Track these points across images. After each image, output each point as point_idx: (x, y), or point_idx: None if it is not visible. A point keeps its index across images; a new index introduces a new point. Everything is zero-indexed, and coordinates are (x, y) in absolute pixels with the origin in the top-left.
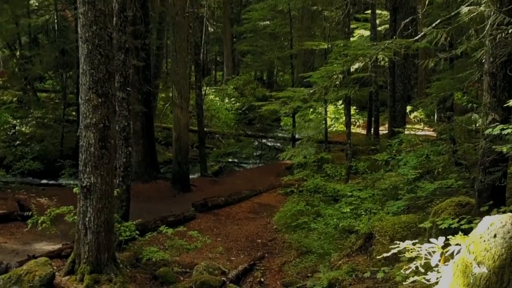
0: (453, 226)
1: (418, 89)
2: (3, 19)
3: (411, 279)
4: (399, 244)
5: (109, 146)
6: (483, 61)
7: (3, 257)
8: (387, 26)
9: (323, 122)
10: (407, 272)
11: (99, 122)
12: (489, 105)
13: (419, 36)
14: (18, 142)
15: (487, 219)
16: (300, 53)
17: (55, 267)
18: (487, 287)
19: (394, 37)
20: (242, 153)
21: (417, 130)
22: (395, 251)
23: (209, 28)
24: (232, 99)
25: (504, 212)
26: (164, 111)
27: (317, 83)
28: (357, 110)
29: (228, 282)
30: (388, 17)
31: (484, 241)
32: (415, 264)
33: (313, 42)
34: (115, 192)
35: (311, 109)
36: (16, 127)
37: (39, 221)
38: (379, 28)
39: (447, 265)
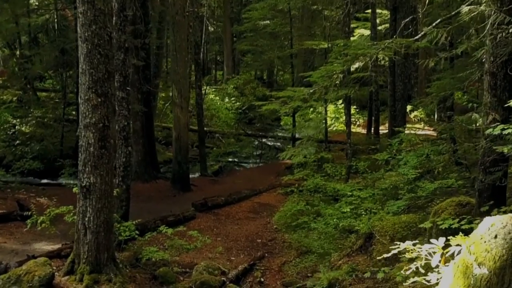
0: (453, 226)
1: (418, 89)
2: (3, 18)
3: (412, 280)
4: (399, 244)
5: (109, 146)
6: (483, 60)
7: (3, 257)
8: (387, 25)
9: (323, 121)
10: (408, 272)
11: (99, 122)
12: (489, 105)
13: (420, 35)
14: (18, 141)
15: (487, 220)
16: (300, 53)
17: (54, 267)
18: None
19: (395, 36)
20: (242, 153)
21: (417, 129)
22: (395, 251)
23: (209, 28)
24: (232, 98)
25: (504, 212)
26: (164, 111)
27: (317, 82)
28: (357, 110)
29: (228, 282)
30: (389, 16)
31: (485, 242)
32: (415, 264)
33: (313, 41)
34: (114, 192)
35: (311, 109)
36: (16, 127)
37: (39, 221)
38: (379, 28)
39: (447, 266)
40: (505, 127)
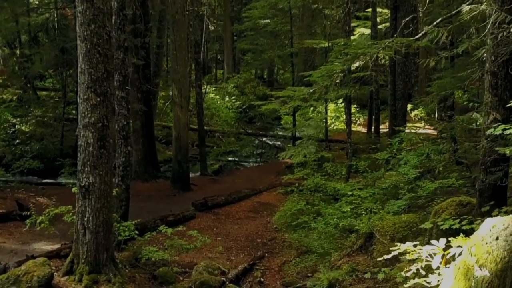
0: (454, 226)
1: (419, 88)
2: (2, 17)
3: (412, 281)
4: (399, 246)
5: (108, 146)
6: (484, 60)
7: (2, 257)
8: (387, 24)
9: (324, 120)
10: (408, 274)
11: (98, 122)
12: (490, 104)
13: (420, 34)
14: (17, 140)
15: (489, 221)
16: (301, 52)
17: (53, 267)
18: None
19: (395, 35)
20: (242, 152)
21: (418, 128)
22: (395, 253)
23: (209, 26)
24: (233, 97)
25: (505, 213)
26: (164, 110)
27: (317, 82)
28: (357, 109)
29: (227, 282)
30: (389, 15)
31: (486, 243)
32: (415, 266)
33: (313, 40)
34: (114, 191)
35: (312, 108)
36: (16, 126)
37: (38, 221)
38: (379, 26)
39: (448, 267)
40: (507, 127)
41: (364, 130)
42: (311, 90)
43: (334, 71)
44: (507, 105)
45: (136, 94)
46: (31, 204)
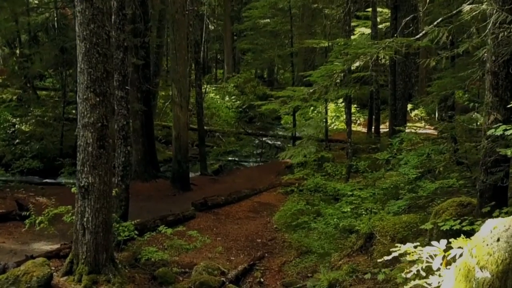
0: (455, 227)
1: (419, 87)
2: (2, 17)
3: (412, 282)
4: (400, 246)
5: (107, 146)
6: (484, 59)
7: (1, 257)
8: (388, 24)
9: (324, 120)
10: (408, 275)
11: (97, 122)
12: (491, 105)
13: (421, 34)
14: (17, 140)
15: (490, 222)
16: (301, 51)
17: (53, 268)
18: None
19: (395, 35)
20: (242, 152)
21: (418, 128)
22: (396, 254)
23: (209, 26)
24: (233, 97)
25: (506, 213)
26: (164, 110)
27: (317, 82)
28: (357, 108)
29: (227, 283)
30: (389, 15)
31: (487, 245)
32: (416, 267)
33: (313, 40)
34: (113, 191)
35: (312, 108)
36: (16, 126)
37: (37, 221)
38: (380, 26)
39: (449, 268)
40: (507, 128)
41: (364, 130)
42: (311, 90)
43: (334, 71)
44: (508, 106)
45: (136, 93)
46: (30, 204)
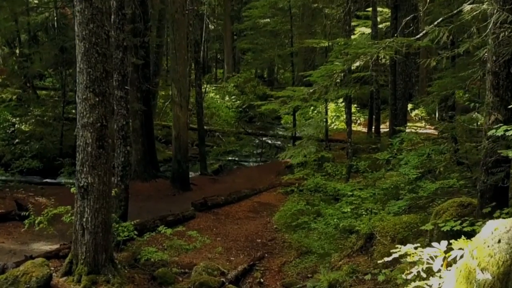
0: (455, 228)
1: (420, 87)
2: (2, 17)
3: (413, 284)
4: (400, 248)
5: (107, 146)
6: (485, 59)
7: (0, 257)
8: (388, 23)
9: (324, 120)
10: (409, 276)
11: (96, 122)
12: (491, 105)
13: (421, 34)
14: (17, 140)
15: (490, 224)
16: (301, 51)
17: (52, 268)
18: None
19: (396, 35)
20: (242, 151)
21: (419, 128)
22: (396, 255)
23: (209, 26)
24: (233, 97)
25: (507, 214)
26: (164, 109)
27: (317, 82)
28: (358, 108)
29: (227, 283)
30: (389, 14)
31: (488, 246)
32: (416, 268)
33: (313, 40)
34: (113, 192)
35: (312, 107)
36: (16, 125)
37: (36, 221)
38: (380, 26)
39: (449, 270)
40: (508, 128)
41: (365, 129)
42: (311, 90)
43: (334, 71)
44: (509, 106)
45: (136, 93)
46: (30, 204)
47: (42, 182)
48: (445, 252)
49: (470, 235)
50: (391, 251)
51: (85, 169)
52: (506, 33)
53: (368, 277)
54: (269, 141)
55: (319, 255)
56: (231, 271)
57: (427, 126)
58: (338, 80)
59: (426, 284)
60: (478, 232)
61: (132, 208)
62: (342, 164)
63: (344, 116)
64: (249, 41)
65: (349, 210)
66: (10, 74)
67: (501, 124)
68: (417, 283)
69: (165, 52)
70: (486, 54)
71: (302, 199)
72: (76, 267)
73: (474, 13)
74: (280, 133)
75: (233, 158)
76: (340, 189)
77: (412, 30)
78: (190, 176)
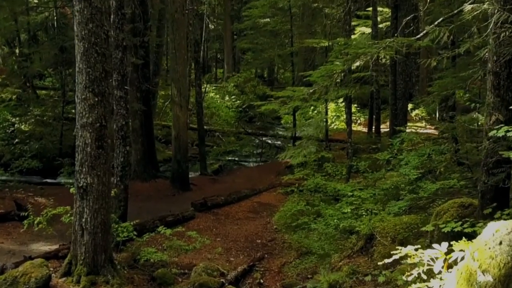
0: (456, 229)
1: (420, 87)
2: (1, 16)
3: (413, 285)
4: (400, 249)
5: (106, 146)
6: (486, 59)
7: (0, 258)
8: (388, 23)
9: (324, 120)
10: (409, 278)
11: (96, 122)
12: (492, 105)
13: (421, 34)
14: (17, 140)
15: (492, 225)
16: (301, 51)
17: (51, 268)
18: None
19: (396, 34)
20: (242, 152)
21: (419, 128)
22: (396, 257)
23: (209, 25)
24: (233, 96)
25: (508, 215)
26: (163, 109)
27: (317, 82)
28: (358, 108)
29: (227, 284)
30: (390, 14)
31: (489, 248)
32: (417, 270)
33: (313, 39)
34: (112, 192)
35: (312, 107)
36: (15, 125)
37: (35, 222)
38: (380, 26)
39: (450, 272)
40: (509, 129)
41: (365, 129)
42: (311, 90)
43: (334, 71)
44: (510, 107)
45: (135, 93)
46: (29, 204)
47: (41, 182)
48: (446, 253)
49: (471, 236)
50: (392, 252)
51: (84, 169)
52: (507, 33)
53: (368, 278)
54: (269, 141)
55: (319, 256)
56: (230, 271)
57: (428, 126)
58: (338, 80)
59: (427, 286)
60: (479, 233)
61: (132, 208)
62: (342, 164)
63: (344, 116)
64: (249, 41)
65: (349, 210)
66: (10, 73)
67: (502, 125)
68: (418, 285)
69: (165, 52)
70: (486, 54)
71: (302, 200)
72: (75, 267)
73: (475, 13)
74: (280, 133)
75: (233, 158)
76: (340, 189)
77: (412, 30)
78: (190, 176)
